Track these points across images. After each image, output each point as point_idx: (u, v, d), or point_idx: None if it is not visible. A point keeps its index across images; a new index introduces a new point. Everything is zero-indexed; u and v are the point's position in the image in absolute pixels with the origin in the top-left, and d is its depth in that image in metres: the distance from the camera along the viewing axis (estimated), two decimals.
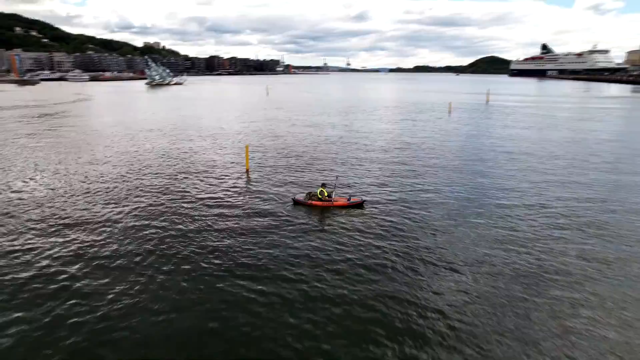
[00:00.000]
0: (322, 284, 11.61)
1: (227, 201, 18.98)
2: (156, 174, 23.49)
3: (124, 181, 21.78)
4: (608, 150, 31.76)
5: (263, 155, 28.49)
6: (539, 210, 17.79)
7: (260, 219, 16.77)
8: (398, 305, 10.61)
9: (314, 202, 18.15)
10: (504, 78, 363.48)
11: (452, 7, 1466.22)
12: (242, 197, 19.55)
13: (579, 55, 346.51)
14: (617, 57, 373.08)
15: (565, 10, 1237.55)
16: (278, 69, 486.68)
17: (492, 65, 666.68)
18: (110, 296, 10.91)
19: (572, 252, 13.77)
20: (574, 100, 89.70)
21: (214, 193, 19.99)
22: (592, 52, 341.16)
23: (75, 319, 9.92)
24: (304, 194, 18.79)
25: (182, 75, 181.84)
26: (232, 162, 26.84)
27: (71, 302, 10.63)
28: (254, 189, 21.03)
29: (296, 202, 18.52)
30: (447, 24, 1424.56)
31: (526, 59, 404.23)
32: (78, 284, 11.53)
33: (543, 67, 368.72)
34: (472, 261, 13.03)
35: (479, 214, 17.20)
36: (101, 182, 21.55)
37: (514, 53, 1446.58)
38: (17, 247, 13.81)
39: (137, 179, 22.41)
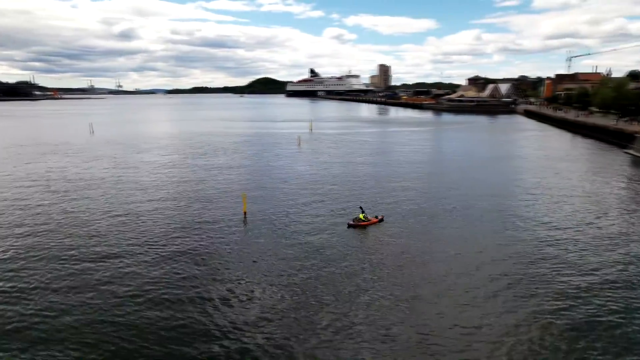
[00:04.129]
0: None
1: (302, 232, 23.50)
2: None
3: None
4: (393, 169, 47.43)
5: (220, 204, 31.53)
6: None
7: (336, 237, 24.80)
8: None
9: (360, 222, 26.59)
10: (283, 99, 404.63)
11: (220, 30, 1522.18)
12: (303, 231, 24.58)
13: (339, 79, 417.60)
14: (364, 78, 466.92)
15: (317, 38, 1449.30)
16: (36, 93, 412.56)
17: (267, 86, 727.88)
18: None
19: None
20: (349, 125, 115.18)
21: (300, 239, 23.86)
22: (348, 76, 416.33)
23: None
24: (352, 219, 27.07)
25: None
26: (227, 211, 29.63)
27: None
28: (298, 224, 26.68)
29: (349, 225, 26.54)
30: (216, 45, 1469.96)
31: (299, 81, 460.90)
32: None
33: (314, 88, 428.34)
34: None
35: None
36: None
37: (281, 74, 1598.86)
38: None
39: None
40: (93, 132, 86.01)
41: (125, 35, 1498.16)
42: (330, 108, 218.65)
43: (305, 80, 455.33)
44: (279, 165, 50.76)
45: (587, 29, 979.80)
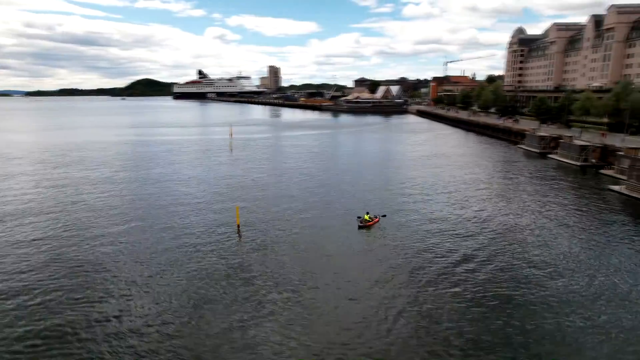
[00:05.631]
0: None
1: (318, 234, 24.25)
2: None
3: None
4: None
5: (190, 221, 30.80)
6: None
7: (350, 234, 27.66)
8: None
9: (367, 223, 29.79)
10: (171, 102, 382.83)
11: (88, 25, 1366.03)
12: (315, 232, 25.25)
13: (230, 80, 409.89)
14: (254, 80, 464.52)
15: (199, 37, 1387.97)
16: None
17: (150, 88, 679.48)
18: None
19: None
20: (264, 129, 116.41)
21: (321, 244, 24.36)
22: (239, 78, 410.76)
23: None
24: (360, 221, 29.74)
25: None
26: (220, 223, 28.43)
27: None
28: (310, 222, 26.40)
29: (360, 226, 29.55)
30: (86, 42, 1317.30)
31: (187, 83, 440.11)
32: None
33: (203, 90, 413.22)
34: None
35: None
36: None
37: (163, 74, 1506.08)
38: None
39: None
40: None
41: None
42: (227, 111, 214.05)
43: (193, 82, 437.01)
44: (224, 173, 50.49)
45: (448, 37, 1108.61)
